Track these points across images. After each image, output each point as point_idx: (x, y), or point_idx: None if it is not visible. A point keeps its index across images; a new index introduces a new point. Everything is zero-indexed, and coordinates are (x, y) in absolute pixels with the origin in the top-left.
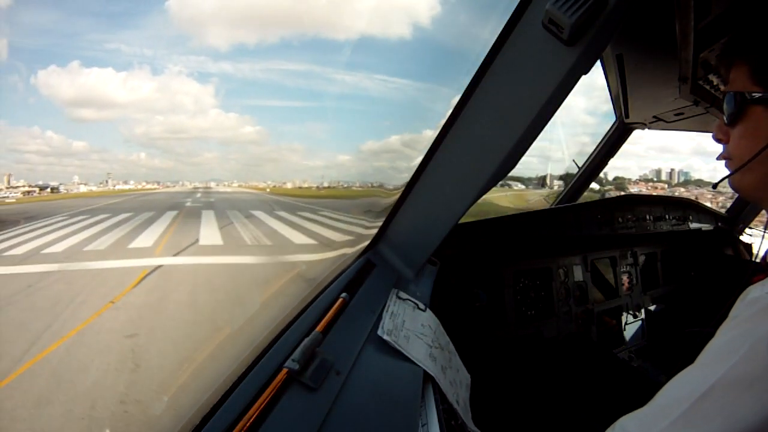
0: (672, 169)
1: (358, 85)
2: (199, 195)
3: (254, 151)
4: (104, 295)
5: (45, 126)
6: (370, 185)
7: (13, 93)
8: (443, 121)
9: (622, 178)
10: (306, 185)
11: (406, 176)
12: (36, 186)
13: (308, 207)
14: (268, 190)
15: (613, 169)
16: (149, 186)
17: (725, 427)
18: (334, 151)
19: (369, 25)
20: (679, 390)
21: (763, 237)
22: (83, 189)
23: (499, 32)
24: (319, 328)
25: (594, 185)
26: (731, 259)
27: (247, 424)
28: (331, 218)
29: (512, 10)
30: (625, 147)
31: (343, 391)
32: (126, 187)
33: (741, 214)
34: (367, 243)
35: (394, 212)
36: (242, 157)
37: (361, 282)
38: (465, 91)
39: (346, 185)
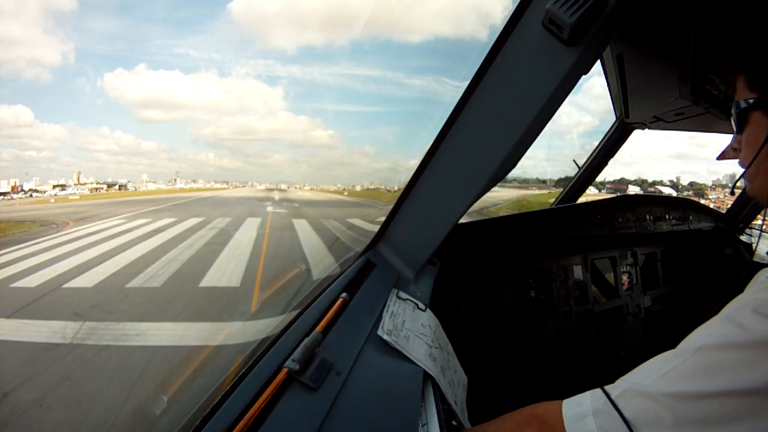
0: None
1: (427, 87)
2: (276, 198)
3: (326, 154)
4: None
5: (114, 126)
6: None
7: (81, 95)
8: (443, 121)
9: (699, 184)
10: (373, 187)
11: (406, 177)
12: (104, 183)
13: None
14: (345, 192)
15: (684, 173)
16: (217, 186)
17: (710, 385)
18: (402, 154)
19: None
20: (681, 345)
21: (759, 236)
22: (152, 187)
23: (499, 32)
24: (319, 328)
25: (669, 190)
26: (731, 259)
27: (248, 424)
28: None
29: (512, 10)
30: (694, 150)
31: (343, 391)
32: (195, 185)
33: (741, 214)
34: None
35: (394, 212)
36: (314, 160)
37: (361, 282)
38: (465, 90)
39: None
